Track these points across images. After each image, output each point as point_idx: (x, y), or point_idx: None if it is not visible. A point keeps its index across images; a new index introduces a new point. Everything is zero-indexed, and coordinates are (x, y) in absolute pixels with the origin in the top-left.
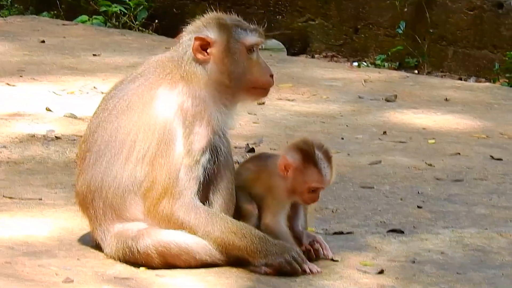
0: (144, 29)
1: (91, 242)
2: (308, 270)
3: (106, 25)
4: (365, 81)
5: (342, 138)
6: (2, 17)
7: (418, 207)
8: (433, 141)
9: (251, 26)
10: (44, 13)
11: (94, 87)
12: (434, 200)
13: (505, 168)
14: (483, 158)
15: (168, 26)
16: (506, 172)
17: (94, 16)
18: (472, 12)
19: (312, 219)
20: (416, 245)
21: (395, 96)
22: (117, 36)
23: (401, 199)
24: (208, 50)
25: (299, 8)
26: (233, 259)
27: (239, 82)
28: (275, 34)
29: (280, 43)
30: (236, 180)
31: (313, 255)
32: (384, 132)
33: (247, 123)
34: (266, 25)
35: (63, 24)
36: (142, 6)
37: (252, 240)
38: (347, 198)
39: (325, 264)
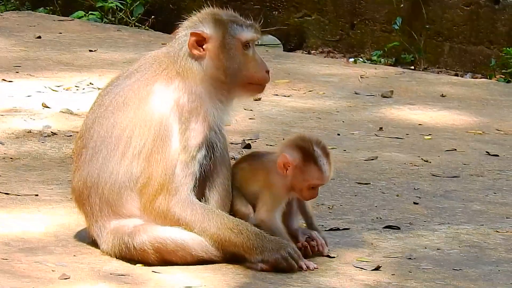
0: (140, 25)
1: (87, 238)
2: (304, 267)
3: (102, 20)
4: (361, 77)
5: (338, 134)
6: None
7: (414, 203)
8: (429, 137)
9: (247, 21)
10: (40, 9)
11: (91, 83)
12: (430, 196)
13: (501, 164)
14: (479, 154)
15: (164, 21)
16: (502, 168)
17: (90, 12)
18: (468, 8)
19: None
20: (412, 241)
21: (391, 92)
22: (114, 31)
23: (397, 195)
24: (204, 46)
25: (295, 4)
26: (230, 256)
27: (235, 78)
28: (271, 30)
29: (276, 39)
30: (232, 180)
31: (310, 251)
32: (380, 128)
33: (243, 119)
34: (262, 21)
35: (59, 20)
36: (138, 2)
37: (249, 237)
38: (343, 194)
39: (321, 260)
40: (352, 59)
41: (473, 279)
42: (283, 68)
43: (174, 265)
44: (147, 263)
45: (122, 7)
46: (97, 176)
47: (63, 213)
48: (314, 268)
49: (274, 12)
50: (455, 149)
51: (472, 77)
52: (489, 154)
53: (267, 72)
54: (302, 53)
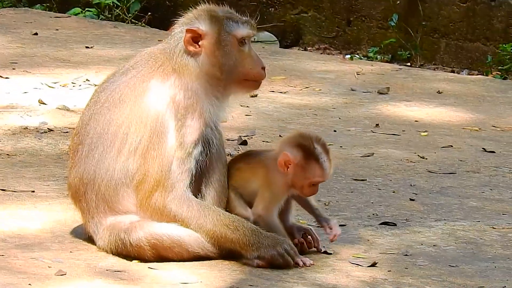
0: (137, 22)
1: (83, 234)
2: (300, 263)
3: (99, 17)
4: (357, 73)
5: (335, 131)
6: None
7: (411, 199)
8: (425, 133)
9: (243, 18)
10: (37, 6)
11: (87, 80)
12: (427, 193)
13: (498, 161)
14: (475, 150)
15: (161, 18)
16: (498, 164)
17: (87, 9)
18: (464, 5)
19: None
20: (408, 237)
21: (388, 89)
22: (110, 28)
23: (393, 192)
24: (199, 43)
25: (292, 0)
26: (226, 252)
27: (231, 75)
28: (268, 26)
29: (273, 36)
30: (229, 182)
31: (306, 248)
32: (377, 125)
33: (239, 115)
34: (258, 17)
35: (56, 17)
36: None
37: (245, 233)
38: (340, 190)
39: (317, 256)
40: (348, 56)
41: (469, 276)
42: (279, 64)
43: (170, 261)
44: (143, 260)
45: (118, 3)
46: (94, 172)
47: (60, 210)
48: (310, 264)
49: (270, 9)
50: (452, 146)
51: (469, 74)
52: (486, 151)
53: (263, 68)
54: (298, 49)
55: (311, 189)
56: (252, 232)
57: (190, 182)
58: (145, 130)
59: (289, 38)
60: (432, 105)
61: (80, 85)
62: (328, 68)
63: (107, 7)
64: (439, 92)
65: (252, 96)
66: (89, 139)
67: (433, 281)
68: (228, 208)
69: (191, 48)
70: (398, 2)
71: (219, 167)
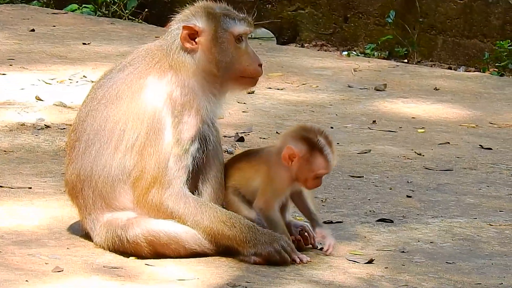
0: (134, 18)
1: (80, 231)
2: (297, 260)
3: (96, 14)
4: (354, 70)
5: (332, 127)
6: None
7: (408, 196)
8: (422, 130)
9: (240, 15)
10: (34, 2)
11: (84, 76)
12: (424, 190)
13: (495, 158)
14: (472, 147)
15: (158, 15)
16: (495, 161)
17: (84, 5)
18: (461, 1)
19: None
20: (405, 234)
21: (385, 85)
22: (107, 25)
23: (390, 189)
24: (196, 39)
25: None
26: (223, 249)
27: (227, 72)
28: (265, 23)
29: (270, 32)
30: (229, 183)
31: (303, 245)
32: (374, 121)
33: (236, 112)
34: (255, 14)
35: (53, 13)
36: None
37: (242, 230)
38: (336, 187)
39: (314, 253)
40: (345, 53)
41: (466, 272)
42: (276, 61)
43: (167, 258)
44: (140, 256)
45: (115, 0)
46: (90, 169)
47: (57, 206)
48: (307, 261)
49: (267, 6)
50: (448, 142)
51: (466, 71)
52: (482, 148)
53: (260, 65)
54: (295, 46)
55: (315, 182)
56: (249, 228)
57: (187, 178)
58: (142, 127)
59: (286, 35)
60: (429, 102)
61: (77, 82)
62: (325, 65)
63: (104, 3)
64: (436, 89)
65: (249, 93)
66: (86, 136)
67: (430, 278)
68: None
69: (188, 45)
70: None
71: (216, 164)
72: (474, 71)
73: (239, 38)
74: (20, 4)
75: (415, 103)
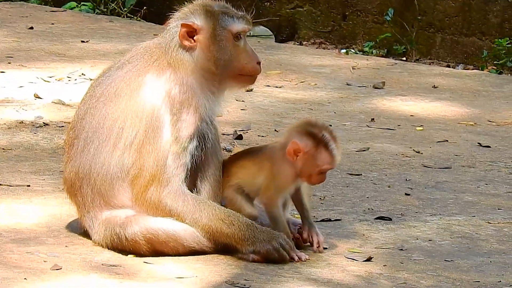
0: (132, 16)
1: (79, 229)
2: (296, 258)
3: (94, 11)
4: (353, 68)
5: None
6: None
7: (406, 194)
8: (421, 128)
9: (238, 13)
10: None
11: (83, 74)
12: (422, 187)
13: (493, 155)
14: (471, 145)
15: (156, 12)
16: (494, 159)
17: (82, 3)
18: None
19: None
20: (403, 232)
21: (383, 83)
22: (106, 22)
23: (389, 186)
24: (195, 37)
25: None
26: (221, 247)
27: (226, 69)
28: (263, 21)
29: (268, 30)
30: (233, 181)
31: (302, 243)
32: (372, 119)
33: (235, 109)
34: (254, 12)
35: (52, 11)
36: None
37: (240, 227)
38: (335, 185)
39: (313, 251)
40: (344, 50)
41: (464, 270)
42: (275, 59)
43: (165, 256)
44: (138, 254)
45: None
46: (89, 167)
47: (55, 204)
48: (306, 259)
49: (266, 3)
50: (447, 140)
51: (464, 69)
52: (481, 145)
53: (258, 63)
54: (294, 44)
55: (319, 177)
56: (248, 226)
57: (186, 176)
58: (140, 125)
59: (285, 33)
60: (427, 100)
61: (75, 79)
62: (324, 63)
63: (102, 1)
64: (434, 87)
65: (247, 91)
66: (85, 134)
67: (428, 275)
68: (232, 209)
69: (186, 43)
70: None
71: (215, 162)
72: (473, 69)
73: (237, 36)
74: (19, 2)
75: (413, 101)
